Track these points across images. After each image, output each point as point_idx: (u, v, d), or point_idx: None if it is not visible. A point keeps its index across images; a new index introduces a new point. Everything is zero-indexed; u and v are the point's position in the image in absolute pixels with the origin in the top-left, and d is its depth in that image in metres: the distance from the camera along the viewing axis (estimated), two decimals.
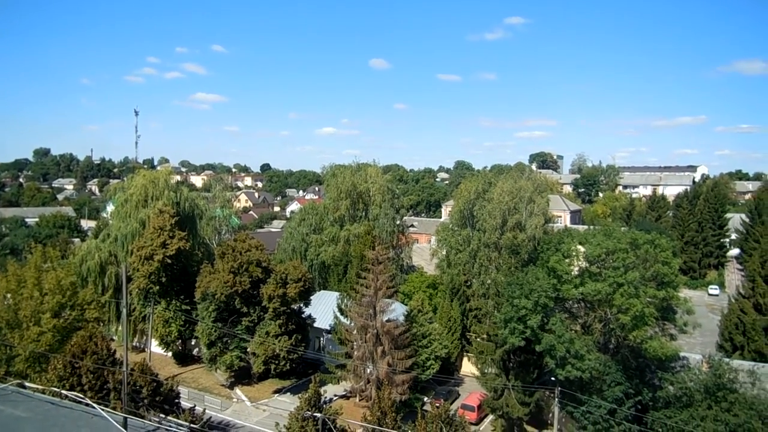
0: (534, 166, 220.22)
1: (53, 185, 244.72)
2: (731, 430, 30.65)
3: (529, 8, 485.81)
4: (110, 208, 75.62)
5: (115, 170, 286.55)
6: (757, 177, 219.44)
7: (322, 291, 60.62)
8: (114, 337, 56.02)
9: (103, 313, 55.51)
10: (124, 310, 31.54)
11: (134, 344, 57.77)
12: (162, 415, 30.59)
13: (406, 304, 50.70)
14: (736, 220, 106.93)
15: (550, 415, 40.93)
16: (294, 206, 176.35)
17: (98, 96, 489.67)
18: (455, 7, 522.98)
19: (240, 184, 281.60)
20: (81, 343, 32.17)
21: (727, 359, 36.38)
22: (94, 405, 12.54)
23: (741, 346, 48.10)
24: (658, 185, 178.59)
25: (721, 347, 49.92)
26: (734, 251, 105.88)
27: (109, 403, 28.31)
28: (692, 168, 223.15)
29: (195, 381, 50.17)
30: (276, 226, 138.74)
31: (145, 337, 56.62)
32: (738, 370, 33.82)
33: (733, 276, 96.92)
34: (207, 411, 36.47)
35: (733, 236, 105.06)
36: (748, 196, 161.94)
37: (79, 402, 13.98)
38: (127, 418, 13.30)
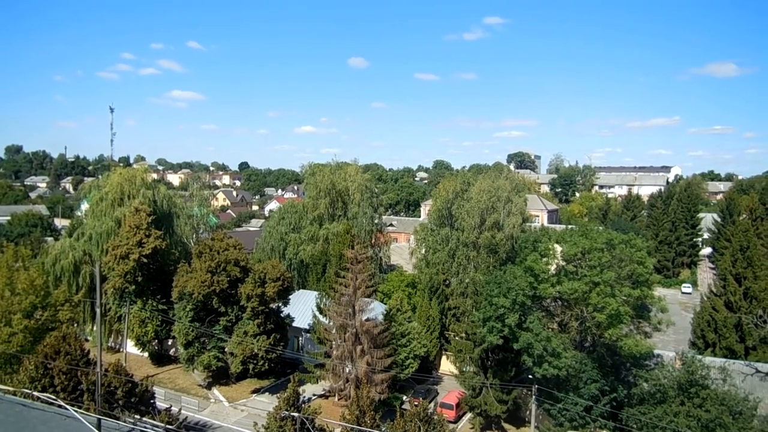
0: (512, 166, 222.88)
1: (25, 183, 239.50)
2: (703, 426, 31.29)
3: (507, 9, 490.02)
4: (85, 206, 74.30)
5: (90, 168, 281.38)
6: (729, 178, 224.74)
7: (300, 290, 60.34)
8: (88, 338, 55.14)
9: (78, 313, 54.58)
10: (99, 310, 30.94)
11: (109, 345, 56.87)
12: (137, 416, 30.16)
13: (385, 303, 50.72)
14: (708, 219, 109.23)
15: (528, 412, 41.31)
16: (272, 205, 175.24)
17: (72, 92, 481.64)
18: (434, 7, 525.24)
19: (218, 182, 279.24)
20: (53, 343, 31.53)
21: (699, 356, 37.09)
22: (67, 406, 12.31)
23: (713, 343, 49.12)
24: (633, 185, 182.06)
25: (693, 344, 50.92)
26: (706, 250, 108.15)
27: (82, 405, 27.81)
28: (666, 168, 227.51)
29: (172, 381, 49.55)
30: (254, 225, 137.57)
31: (120, 338, 55.75)
32: (710, 366, 34.50)
33: (706, 274, 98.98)
34: (184, 411, 36.05)
35: (706, 235, 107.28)
36: (719, 197, 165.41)
37: (51, 403, 13.72)
38: (101, 419, 13.07)
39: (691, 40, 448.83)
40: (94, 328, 53.60)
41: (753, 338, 46.66)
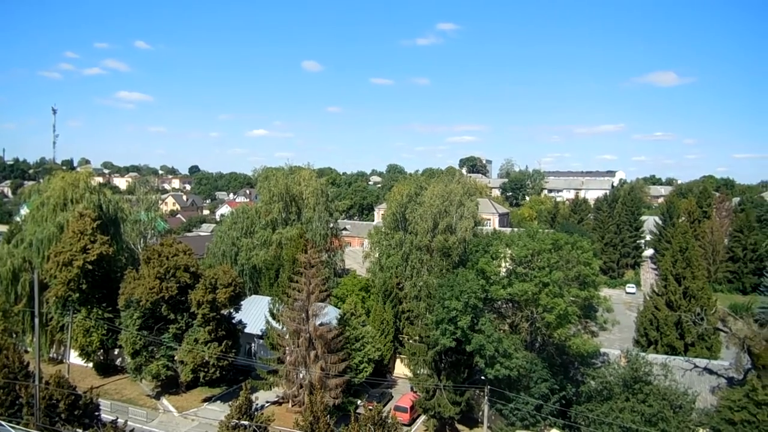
0: (464, 171, 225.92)
1: None
2: (646, 420, 32.51)
3: (460, 15, 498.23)
4: (24, 211, 71.09)
5: (31, 171, 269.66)
6: (669, 182, 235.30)
7: (253, 296, 59.49)
8: (28, 349, 52.77)
9: (16, 323, 52.21)
10: (36, 320, 29.67)
11: (51, 356, 54.48)
12: (79, 430, 29.02)
13: (339, 308, 50.56)
14: (650, 222, 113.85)
15: (480, 413, 41.90)
16: (224, 209, 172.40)
17: (10, 92, 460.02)
18: (388, 12, 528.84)
19: (167, 186, 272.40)
20: None
21: (642, 353, 38.54)
22: (2, 423, 11.76)
23: (655, 340, 51.14)
24: (581, 189, 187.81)
25: (637, 342, 52.87)
26: (649, 251, 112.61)
27: (21, 420, 26.57)
28: (611, 173, 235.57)
29: (118, 392, 47.91)
30: (205, 229, 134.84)
31: (63, 348, 53.53)
32: (652, 363, 35.95)
33: (648, 275, 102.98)
34: (131, 423, 34.93)
35: (648, 237, 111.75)
36: (660, 200, 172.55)
37: None
38: None
39: (633, 49, 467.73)
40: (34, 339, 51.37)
41: (692, 335, 48.87)
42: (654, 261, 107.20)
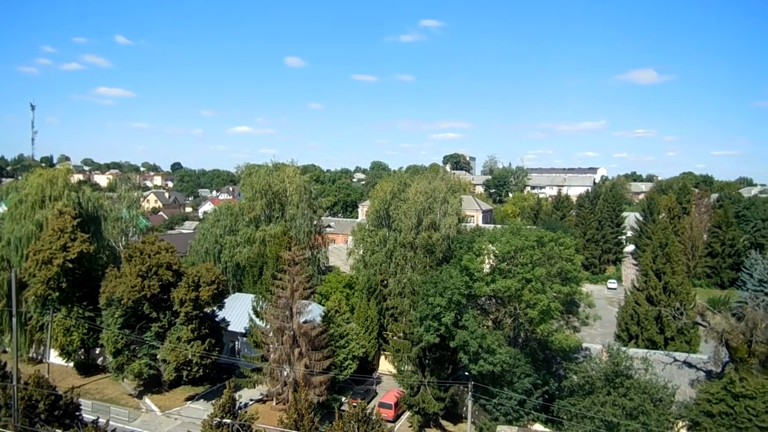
0: (448, 167, 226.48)
1: None
2: (627, 413, 32.94)
3: (443, 12, 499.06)
4: (2, 209, 69.93)
5: (9, 168, 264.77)
6: (650, 178, 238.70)
7: (236, 293, 59.15)
8: (6, 349, 52.02)
9: None
10: (15, 319, 29.20)
11: (31, 355, 53.69)
12: (59, 431, 28.64)
13: (323, 305, 50.48)
14: (631, 218, 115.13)
15: (464, 408, 42.13)
16: (207, 207, 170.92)
17: None
18: (371, 8, 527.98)
19: (149, 183, 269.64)
20: None
21: (623, 348, 39.02)
22: None
23: (636, 335, 51.85)
24: (563, 186, 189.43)
25: (618, 337, 53.55)
26: (630, 247, 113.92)
27: None
28: (593, 170, 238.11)
29: (100, 392, 47.38)
30: (188, 227, 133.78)
31: (43, 348, 52.78)
32: (633, 357, 36.41)
33: (629, 270, 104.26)
34: (112, 423, 34.56)
35: (629, 233, 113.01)
36: (641, 196, 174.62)
37: None
38: None
39: (615, 46, 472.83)
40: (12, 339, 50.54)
41: (671, 329, 49.66)
42: (635, 257, 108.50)
